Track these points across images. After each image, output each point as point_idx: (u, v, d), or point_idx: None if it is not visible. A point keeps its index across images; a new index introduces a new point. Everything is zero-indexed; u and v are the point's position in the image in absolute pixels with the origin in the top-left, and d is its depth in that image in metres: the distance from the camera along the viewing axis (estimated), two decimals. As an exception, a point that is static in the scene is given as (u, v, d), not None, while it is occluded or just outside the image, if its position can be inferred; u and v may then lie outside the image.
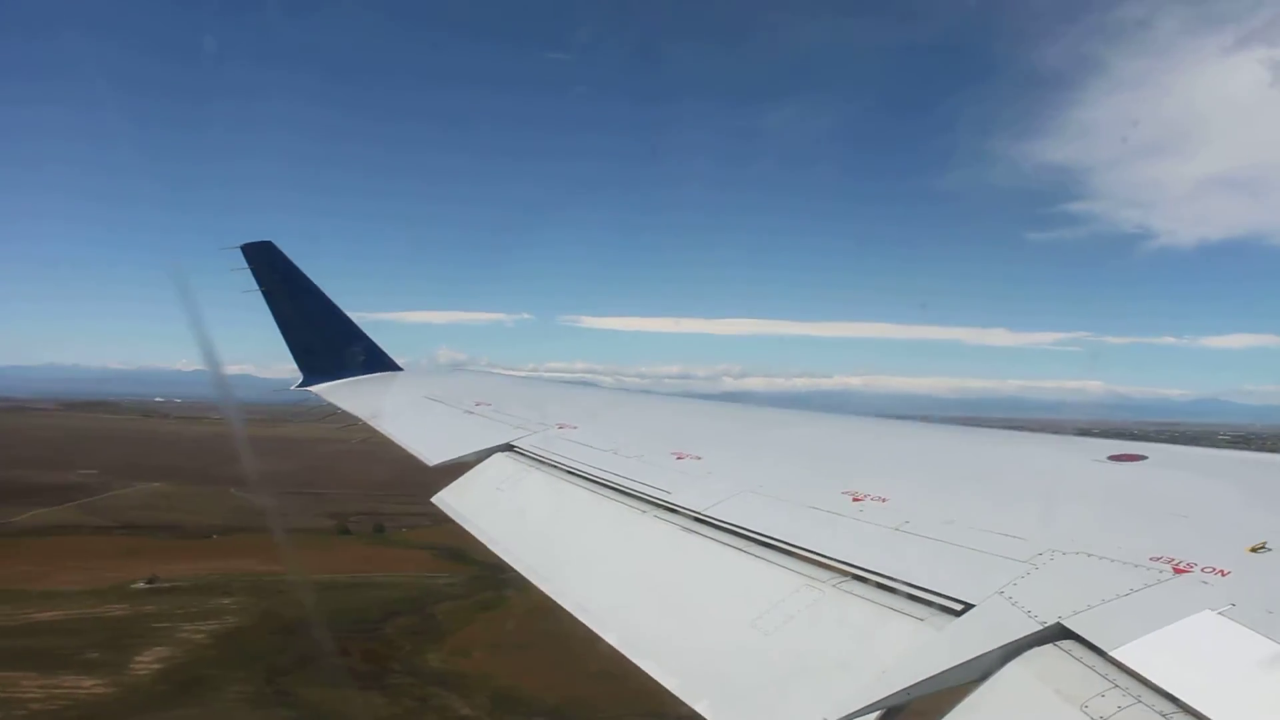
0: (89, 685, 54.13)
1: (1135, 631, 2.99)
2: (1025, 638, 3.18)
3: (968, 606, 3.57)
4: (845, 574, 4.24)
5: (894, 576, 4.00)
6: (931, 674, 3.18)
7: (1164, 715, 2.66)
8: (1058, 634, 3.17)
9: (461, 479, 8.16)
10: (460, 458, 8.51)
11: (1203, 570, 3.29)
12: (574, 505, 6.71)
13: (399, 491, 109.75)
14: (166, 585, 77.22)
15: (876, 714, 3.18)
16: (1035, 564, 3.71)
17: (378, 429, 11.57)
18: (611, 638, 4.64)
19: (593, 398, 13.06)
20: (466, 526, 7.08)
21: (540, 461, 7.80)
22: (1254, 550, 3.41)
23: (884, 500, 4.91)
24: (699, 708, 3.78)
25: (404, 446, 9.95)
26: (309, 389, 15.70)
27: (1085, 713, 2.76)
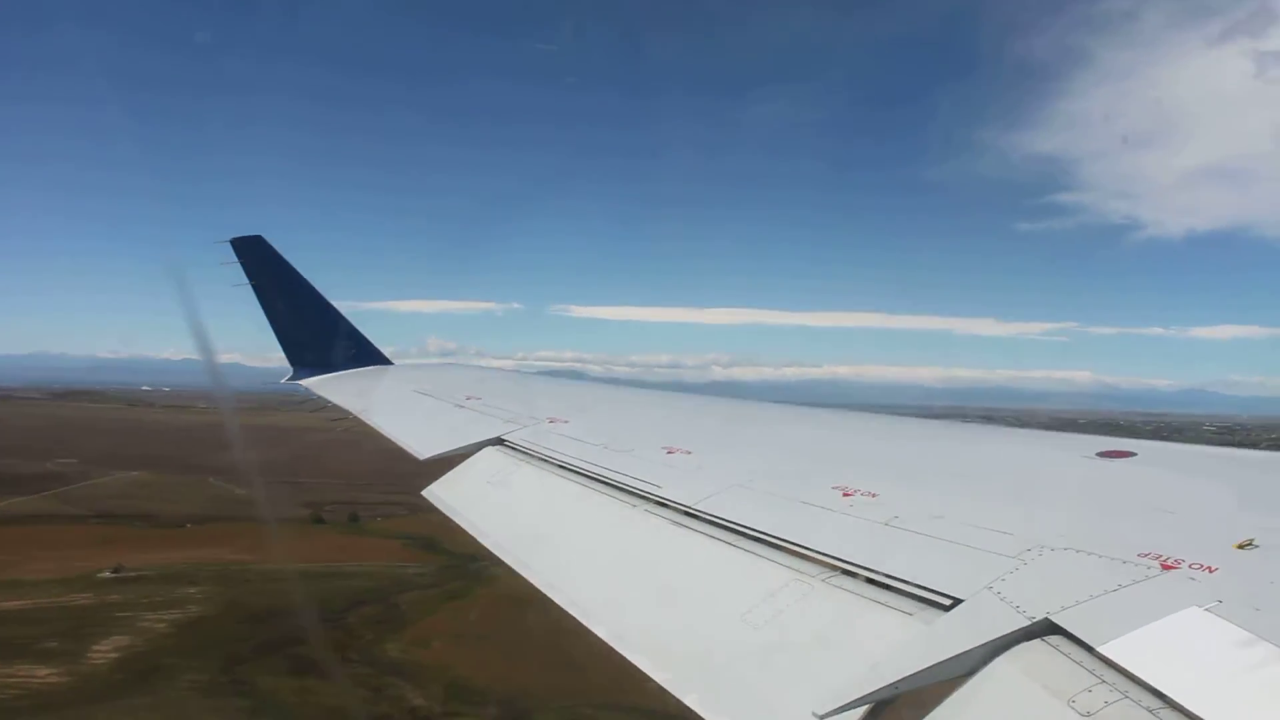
0: (43, 674, 54.22)
1: (1123, 627, 2.99)
2: (1013, 633, 3.19)
3: (956, 601, 3.57)
4: (834, 568, 4.24)
5: (883, 571, 4.00)
6: (920, 668, 3.17)
7: (1151, 711, 2.66)
8: (1046, 629, 3.17)
9: (452, 473, 8.17)
10: (450, 451, 8.53)
11: (1190, 567, 3.30)
12: (564, 499, 6.71)
13: (378, 481, 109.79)
14: (133, 574, 77.18)
15: (865, 708, 3.17)
16: (1024, 560, 3.71)
17: (368, 423, 11.62)
18: (601, 631, 4.64)
19: (583, 391, 13.07)
20: (457, 520, 7.11)
21: (531, 455, 7.82)
22: (1241, 547, 3.42)
23: (874, 495, 4.90)
24: (688, 701, 3.78)
25: (394, 440, 9.95)
26: (298, 382, 15.77)
27: (1072, 708, 2.76)
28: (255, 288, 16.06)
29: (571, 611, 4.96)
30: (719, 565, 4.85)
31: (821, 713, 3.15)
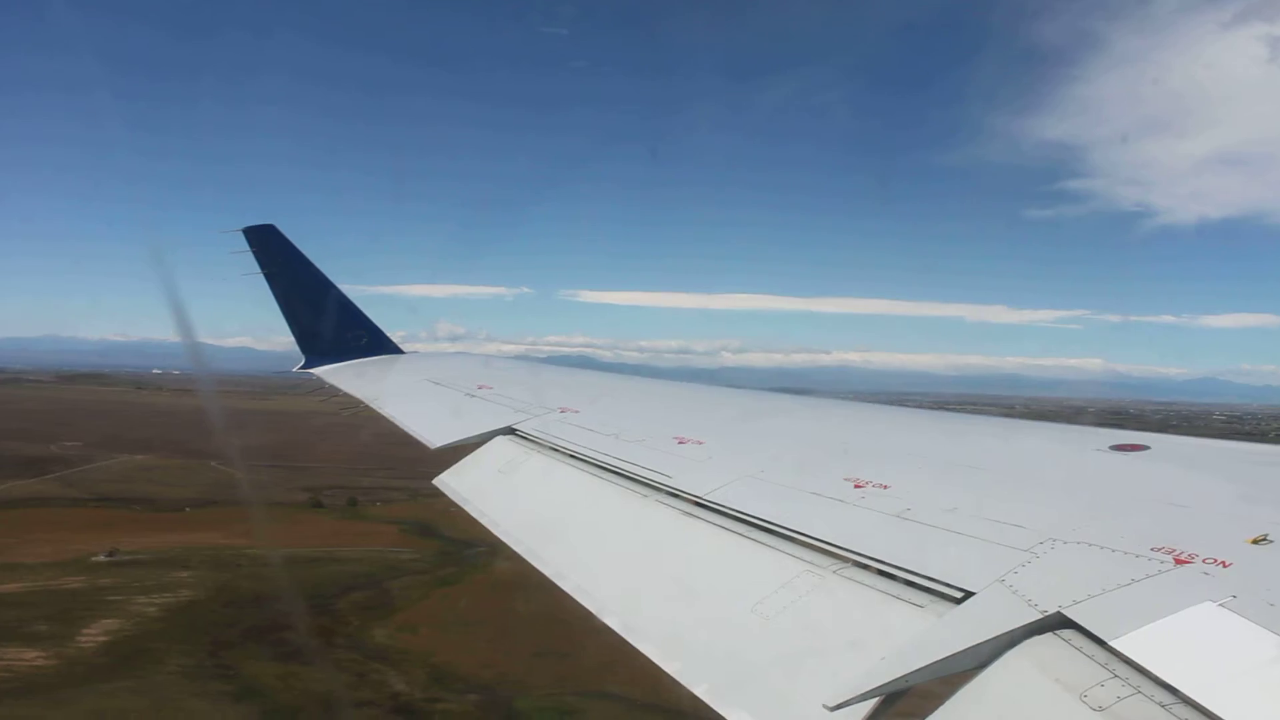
0: (30, 657, 54.63)
1: (1135, 622, 2.97)
2: (1025, 626, 3.17)
3: (968, 594, 3.56)
4: (846, 560, 4.24)
5: (894, 563, 3.99)
6: (931, 661, 3.14)
7: (1163, 706, 2.63)
8: (1058, 623, 3.16)
9: (462, 461, 8.23)
10: (462, 440, 8.55)
11: (1204, 561, 3.28)
12: (575, 489, 6.72)
13: (380, 466, 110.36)
14: (127, 558, 77.72)
15: (876, 700, 3.16)
16: (1036, 553, 3.70)
17: (380, 412, 11.66)
18: (612, 621, 4.62)
19: (595, 381, 13.01)
20: (467, 509, 7.14)
21: (542, 445, 7.83)
22: (1255, 542, 3.39)
23: (886, 487, 4.90)
24: (699, 692, 3.78)
25: (406, 429, 9.96)
26: (311, 371, 15.91)
27: (1084, 702, 2.75)
28: (268, 276, 16.07)
29: (581, 601, 4.93)
30: (730, 556, 4.85)
31: (832, 705, 3.12)
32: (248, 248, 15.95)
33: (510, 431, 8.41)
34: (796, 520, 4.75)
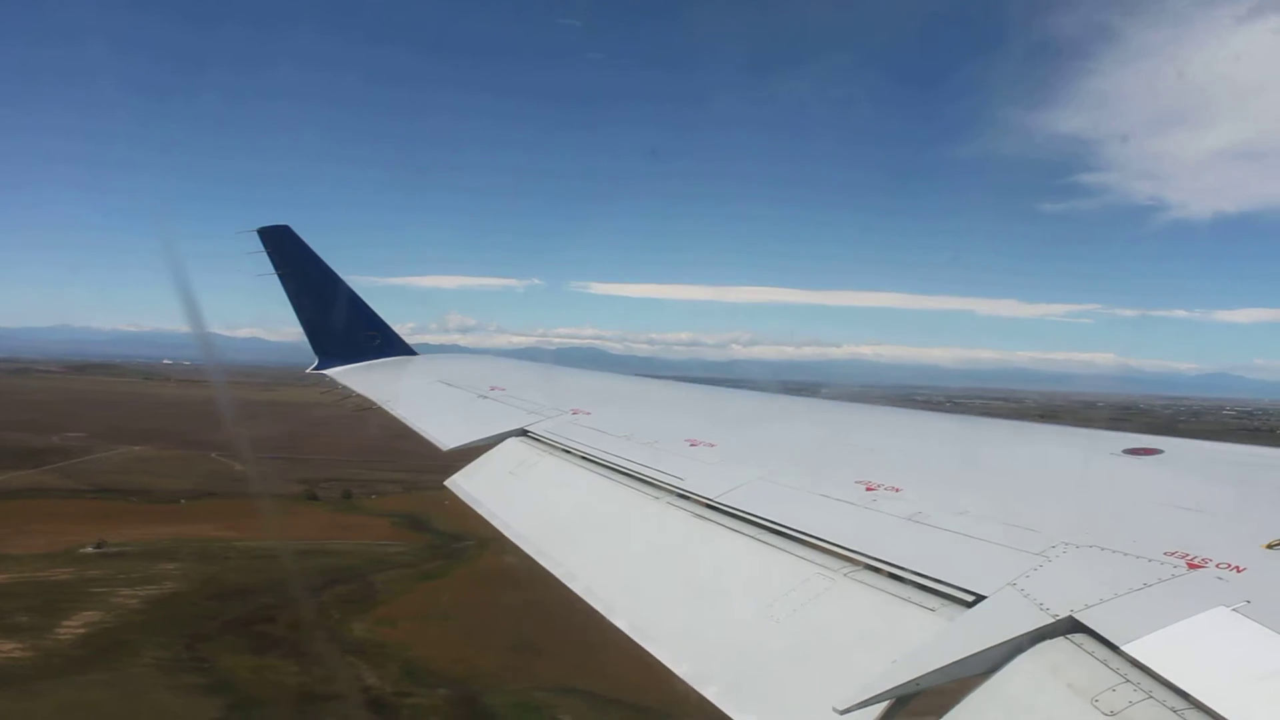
0: (8, 649, 54.94)
1: (1148, 626, 2.96)
2: (1036, 630, 3.16)
3: (979, 598, 3.55)
4: (857, 563, 4.24)
5: (906, 566, 4.00)
6: (942, 664, 3.13)
7: (1175, 711, 2.62)
8: (1069, 627, 3.15)
9: (475, 463, 8.28)
10: (474, 442, 8.59)
11: (1217, 566, 3.26)
12: (586, 490, 6.74)
13: (377, 459, 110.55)
14: (115, 550, 78.13)
15: (886, 703, 3.16)
16: (1048, 556, 3.69)
17: (392, 413, 11.70)
18: (621, 623, 4.64)
19: (607, 383, 13.11)
20: (479, 510, 7.17)
21: (554, 446, 7.87)
22: (1270, 547, 3.38)
23: (897, 490, 4.91)
24: (708, 693, 3.81)
25: (418, 431, 9.98)
26: (324, 372, 16.02)
27: (1096, 707, 2.74)
28: (281, 277, 16.13)
29: (591, 602, 4.96)
30: (741, 558, 4.87)
31: (843, 708, 3.09)
32: (262, 248, 16.04)
33: (523, 433, 8.46)
34: (808, 523, 4.76)
